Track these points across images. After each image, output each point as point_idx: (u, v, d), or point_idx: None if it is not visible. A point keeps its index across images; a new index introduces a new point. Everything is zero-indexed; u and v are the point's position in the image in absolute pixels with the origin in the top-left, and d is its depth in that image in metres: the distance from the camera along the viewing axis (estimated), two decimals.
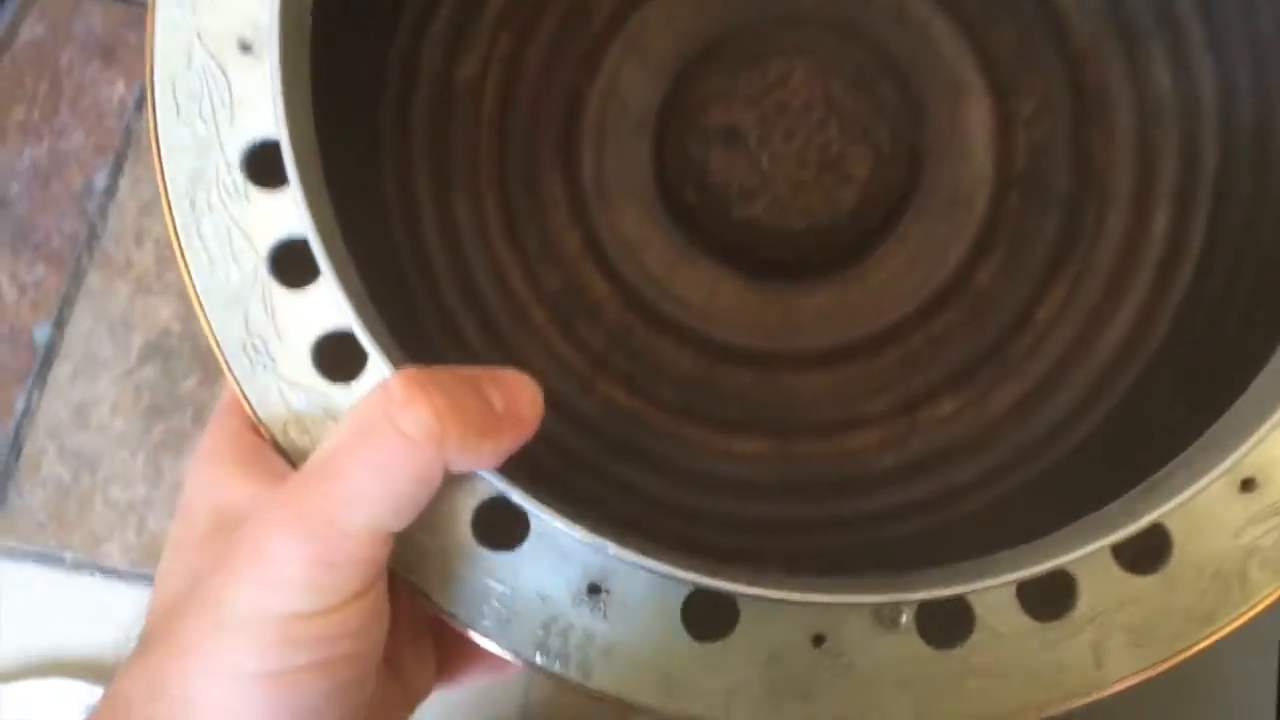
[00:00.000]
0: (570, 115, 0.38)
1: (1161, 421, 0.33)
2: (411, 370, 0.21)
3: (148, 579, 0.39)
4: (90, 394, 0.40)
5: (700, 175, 0.37)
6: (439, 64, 0.38)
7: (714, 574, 0.22)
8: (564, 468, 0.35)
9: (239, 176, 0.25)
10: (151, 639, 0.21)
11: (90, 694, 0.38)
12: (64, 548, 0.38)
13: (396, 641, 0.26)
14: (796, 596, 0.22)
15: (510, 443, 0.22)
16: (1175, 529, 0.24)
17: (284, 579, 0.20)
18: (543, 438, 0.36)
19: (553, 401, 0.37)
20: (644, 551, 0.22)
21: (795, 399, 0.37)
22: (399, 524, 0.21)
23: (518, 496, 0.23)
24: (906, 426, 0.37)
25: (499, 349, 0.37)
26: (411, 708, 0.26)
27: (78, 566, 0.38)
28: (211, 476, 0.23)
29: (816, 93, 0.37)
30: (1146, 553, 0.24)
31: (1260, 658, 0.39)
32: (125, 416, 0.39)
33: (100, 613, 0.38)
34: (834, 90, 0.37)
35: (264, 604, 0.20)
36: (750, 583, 0.22)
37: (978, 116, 0.37)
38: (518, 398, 0.22)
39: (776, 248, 0.37)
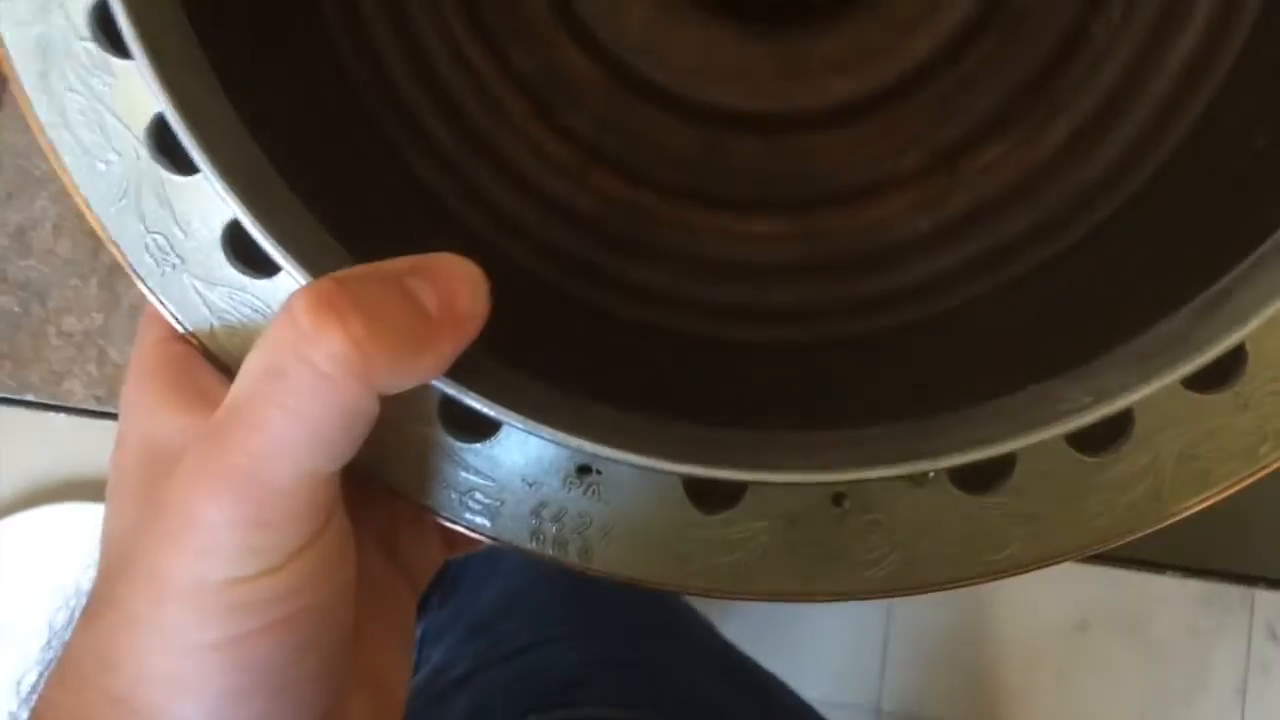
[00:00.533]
0: None
1: (1239, 153, 0.28)
2: (319, 287, 0.18)
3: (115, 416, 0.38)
4: (28, 215, 0.37)
5: None
6: None
7: (709, 461, 0.19)
8: (562, 276, 0.32)
9: (91, 44, 0.21)
10: (100, 602, 0.19)
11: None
12: (24, 389, 0.36)
13: (391, 525, 0.24)
14: (805, 478, 0.19)
15: (452, 348, 0.19)
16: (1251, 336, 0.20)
17: (217, 546, 0.17)
18: (538, 245, 0.34)
19: (545, 202, 0.34)
20: (626, 446, 0.19)
21: (813, 165, 0.33)
22: (335, 464, 0.18)
23: (475, 400, 0.20)
24: (945, 183, 0.32)
25: (476, 152, 0.33)
26: (417, 589, 0.25)
27: (41, 409, 0.36)
28: (141, 404, 0.21)
29: None
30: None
31: None
32: (71, 238, 0.37)
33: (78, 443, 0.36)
34: None
35: (201, 573, 0.18)
36: (753, 465, 0.20)
37: None
38: (455, 291, 0.19)
39: None
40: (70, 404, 0.36)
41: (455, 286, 0.19)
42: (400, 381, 0.18)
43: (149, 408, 0.20)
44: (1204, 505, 0.21)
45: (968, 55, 0.32)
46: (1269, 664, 0.93)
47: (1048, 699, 0.96)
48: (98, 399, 0.36)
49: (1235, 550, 0.36)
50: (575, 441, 0.20)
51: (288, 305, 0.18)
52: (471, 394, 0.20)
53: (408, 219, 0.31)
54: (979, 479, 0.21)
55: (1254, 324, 0.18)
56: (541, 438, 0.20)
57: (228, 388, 0.19)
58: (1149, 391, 0.19)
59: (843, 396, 0.26)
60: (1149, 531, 0.21)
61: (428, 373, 0.19)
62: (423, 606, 0.26)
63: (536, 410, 0.20)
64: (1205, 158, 0.29)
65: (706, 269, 0.33)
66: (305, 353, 0.17)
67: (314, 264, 0.19)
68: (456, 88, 0.33)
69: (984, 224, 0.32)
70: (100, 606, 0.19)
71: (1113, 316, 0.26)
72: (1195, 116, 0.30)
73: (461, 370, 0.20)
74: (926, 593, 0.22)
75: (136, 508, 0.19)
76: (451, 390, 0.20)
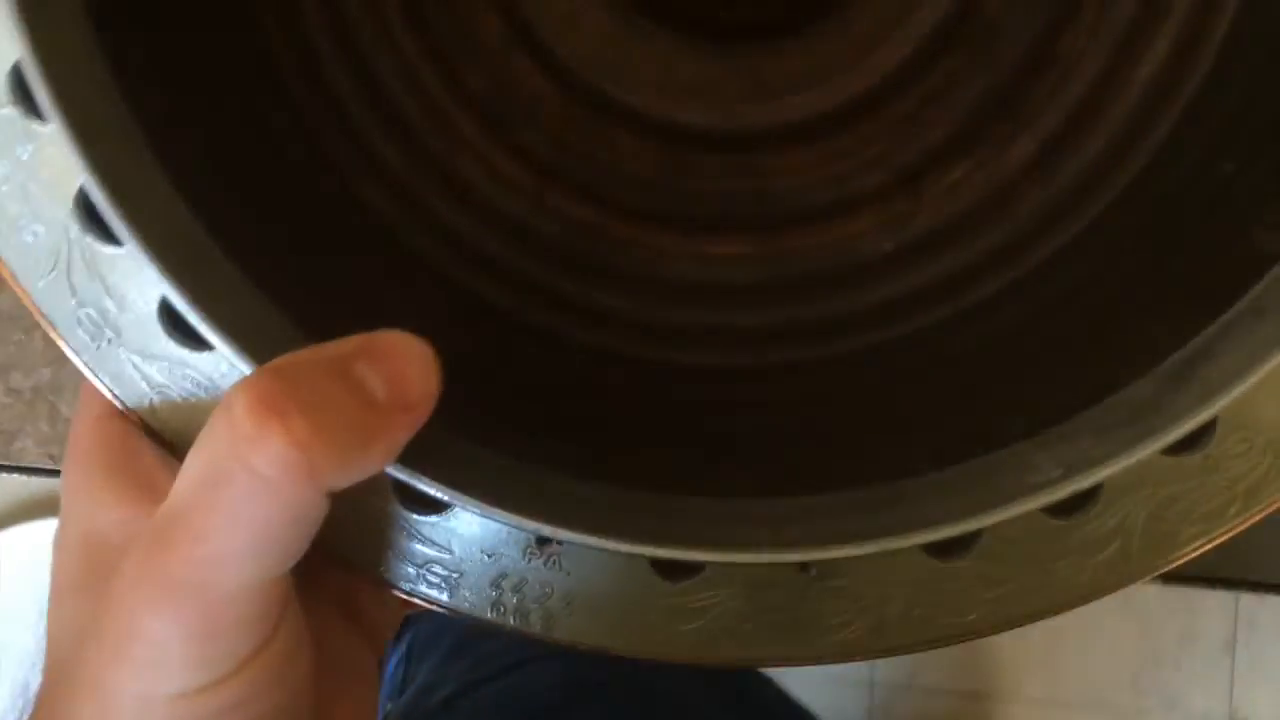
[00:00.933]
0: None
1: (1205, 179, 0.28)
2: (259, 383, 0.17)
3: None
4: None
5: None
6: None
7: (669, 541, 0.19)
8: (519, 302, 0.31)
9: (11, 109, 0.19)
10: (47, 705, 0.18)
11: None
12: None
13: (349, 588, 0.23)
14: (770, 557, 0.19)
15: (404, 435, 0.18)
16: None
17: (163, 658, 0.17)
18: (495, 271, 0.33)
19: (501, 225, 0.33)
20: (585, 528, 0.19)
21: (777, 184, 0.32)
22: (285, 566, 0.17)
23: (427, 485, 0.19)
24: (909, 202, 0.32)
25: (429, 175, 0.32)
26: (379, 649, 0.24)
27: None
28: (81, 491, 0.20)
29: None
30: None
31: None
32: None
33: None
34: None
35: (148, 687, 0.17)
36: (714, 544, 0.19)
37: None
38: (404, 374, 0.18)
39: (737, 5, 0.31)
40: (23, 463, 0.35)
41: (404, 368, 0.18)
42: (350, 477, 0.17)
43: (89, 496, 0.20)
44: (1171, 567, 0.21)
45: (933, 72, 0.31)
46: (1255, 618, 0.95)
47: (1040, 662, 0.97)
48: (51, 457, 0.35)
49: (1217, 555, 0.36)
50: (532, 525, 0.19)
51: (227, 402, 0.17)
52: (423, 479, 0.19)
53: (357, 253, 0.30)
54: (948, 544, 0.21)
55: (1229, 398, 0.18)
56: (496, 520, 0.19)
57: (170, 470, 0.18)
58: (1119, 467, 0.18)
59: (808, 440, 0.26)
60: (1115, 591, 0.21)
61: (379, 464, 0.18)
62: (408, 620, 0.26)
63: (491, 493, 0.19)
64: (1171, 181, 0.28)
65: (667, 292, 0.32)
66: (246, 456, 0.16)
67: (254, 347, 0.19)
68: (409, 109, 0.32)
69: (949, 244, 0.31)
70: (48, 710, 0.18)
71: (1081, 353, 0.26)
72: (1160, 139, 0.29)
73: (412, 453, 0.19)
74: (896, 655, 0.21)
75: (80, 610, 0.19)
76: (402, 476, 0.19)
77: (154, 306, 0.20)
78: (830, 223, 0.32)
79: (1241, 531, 0.20)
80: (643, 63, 0.32)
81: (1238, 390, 0.18)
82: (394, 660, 0.54)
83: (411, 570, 0.21)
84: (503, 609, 0.21)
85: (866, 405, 0.28)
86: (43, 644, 0.22)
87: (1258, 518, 0.20)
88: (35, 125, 0.19)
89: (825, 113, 0.32)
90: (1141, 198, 0.29)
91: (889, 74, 0.31)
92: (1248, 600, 0.94)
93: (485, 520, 0.21)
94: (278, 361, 0.18)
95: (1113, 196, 0.30)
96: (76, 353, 0.20)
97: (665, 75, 0.32)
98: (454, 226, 0.32)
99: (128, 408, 0.20)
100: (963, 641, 0.21)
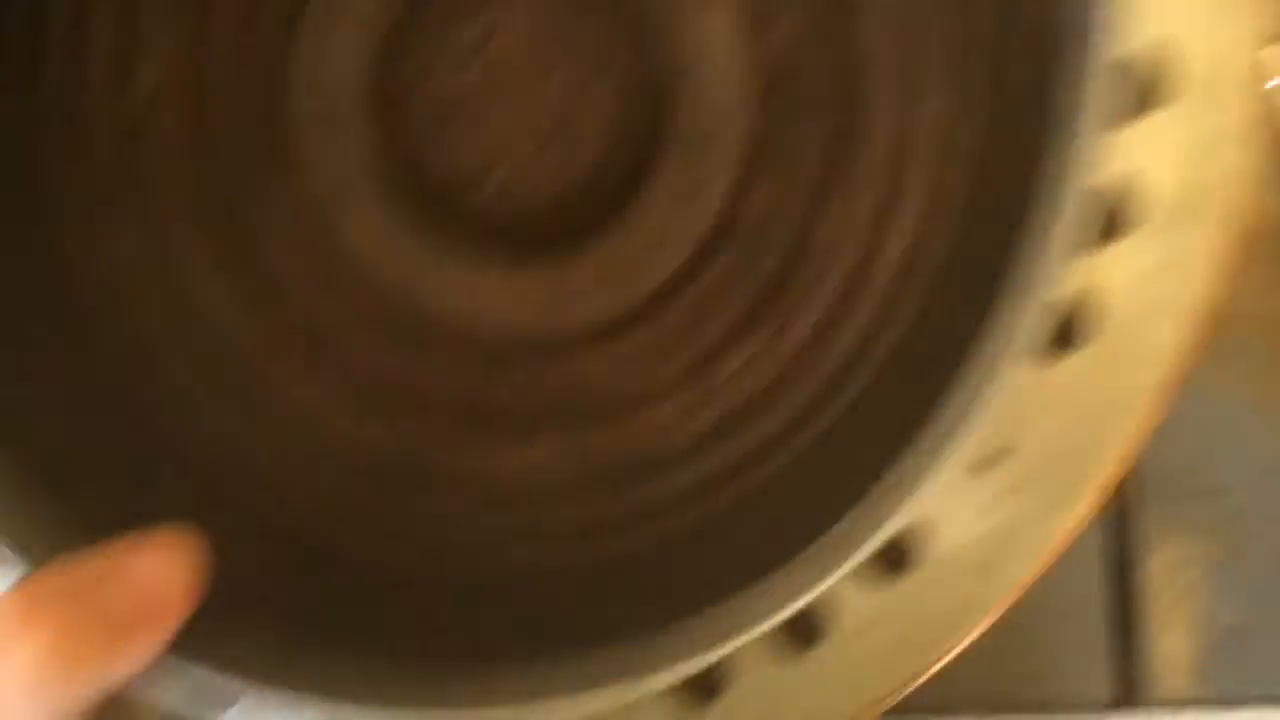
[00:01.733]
0: (272, 114, 0.34)
1: (954, 335, 0.30)
2: (3, 602, 0.18)
3: None
4: None
5: (430, 159, 0.33)
6: (108, 78, 0.33)
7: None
8: (334, 521, 0.32)
9: None
10: None
11: None
12: None
13: None
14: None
15: (159, 639, 0.19)
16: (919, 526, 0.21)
17: None
18: (309, 493, 0.34)
19: (318, 448, 0.34)
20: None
21: (585, 383, 0.34)
22: None
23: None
24: (703, 387, 0.34)
25: (239, 404, 0.33)
26: None
27: None
28: None
29: (535, 36, 0.33)
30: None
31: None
32: None
33: None
34: (551, 29, 0.33)
35: None
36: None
37: (724, 28, 0.33)
38: (161, 577, 0.19)
39: (527, 221, 0.34)
40: None
41: (162, 571, 0.19)
42: (102, 687, 0.18)
43: None
44: None
45: (713, 263, 0.34)
46: None
47: None
48: None
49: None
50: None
51: None
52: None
53: (150, 478, 0.31)
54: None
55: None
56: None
57: None
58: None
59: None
60: None
61: (135, 669, 0.19)
62: None
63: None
64: (924, 346, 0.31)
65: (486, 497, 0.33)
66: None
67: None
68: (217, 348, 0.33)
69: (743, 424, 0.33)
70: None
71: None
72: (913, 312, 0.32)
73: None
74: None
75: None
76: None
77: None
78: (637, 414, 0.34)
79: None
80: (450, 286, 0.34)
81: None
82: None
83: None
84: None
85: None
86: None
87: None
88: None
89: (625, 311, 0.34)
90: (903, 365, 0.32)
91: (677, 270, 0.34)
92: None
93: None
94: (29, 582, 0.19)
95: (878, 363, 0.32)
96: None
97: (473, 295, 0.34)
98: (265, 446, 0.33)
99: None
100: None
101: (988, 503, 0.21)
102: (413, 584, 0.31)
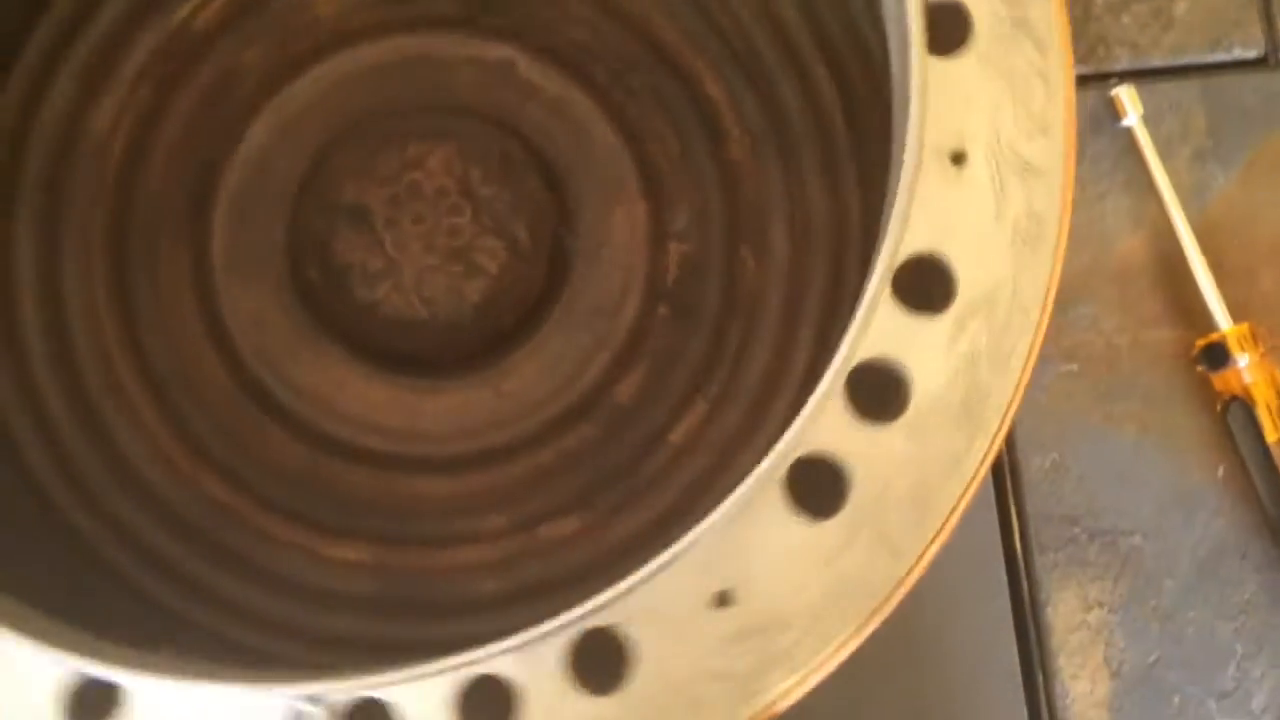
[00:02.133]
0: (205, 181, 0.36)
1: None
2: None
3: None
4: None
5: (324, 253, 0.35)
6: (69, 105, 0.35)
7: None
8: (140, 567, 0.32)
9: None
10: None
11: None
12: None
13: None
14: None
15: None
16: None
17: None
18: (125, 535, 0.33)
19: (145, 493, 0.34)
20: None
21: (412, 506, 0.34)
22: None
23: None
24: (522, 545, 0.34)
25: (92, 433, 0.33)
26: None
27: None
28: None
29: (453, 177, 0.35)
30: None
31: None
32: None
33: None
34: (473, 177, 0.35)
35: None
36: None
37: (631, 223, 0.36)
38: None
39: (402, 337, 0.35)
40: None
41: None
42: None
43: None
44: None
45: (569, 435, 0.35)
46: None
47: None
48: None
49: None
50: None
51: None
52: None
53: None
54: None
55: None
56: None
57: None
58: None
59: None
60: None
61: None
62: None
63: None
64: None
65: (278, 585, 0.33)
66: None
67: None
68: (91, 373, 0.34)
69: (547, 594, 0.33)
70: None
71: None
72: None
73: None
74: None
75: None
76: None
77: None
78: (449, 551, 0.34)
79: None
80: (313, 373, 0.35)
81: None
82: None
83: None
84: None
85: None
86: None
87: None
88: None
89: (469, 452, 0.35)
90: None
91: (531, 431, 0.35)
92: None
93: None
94: None
95: None
96: None
97: (333, 389, 0.35)
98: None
99: None
100: None
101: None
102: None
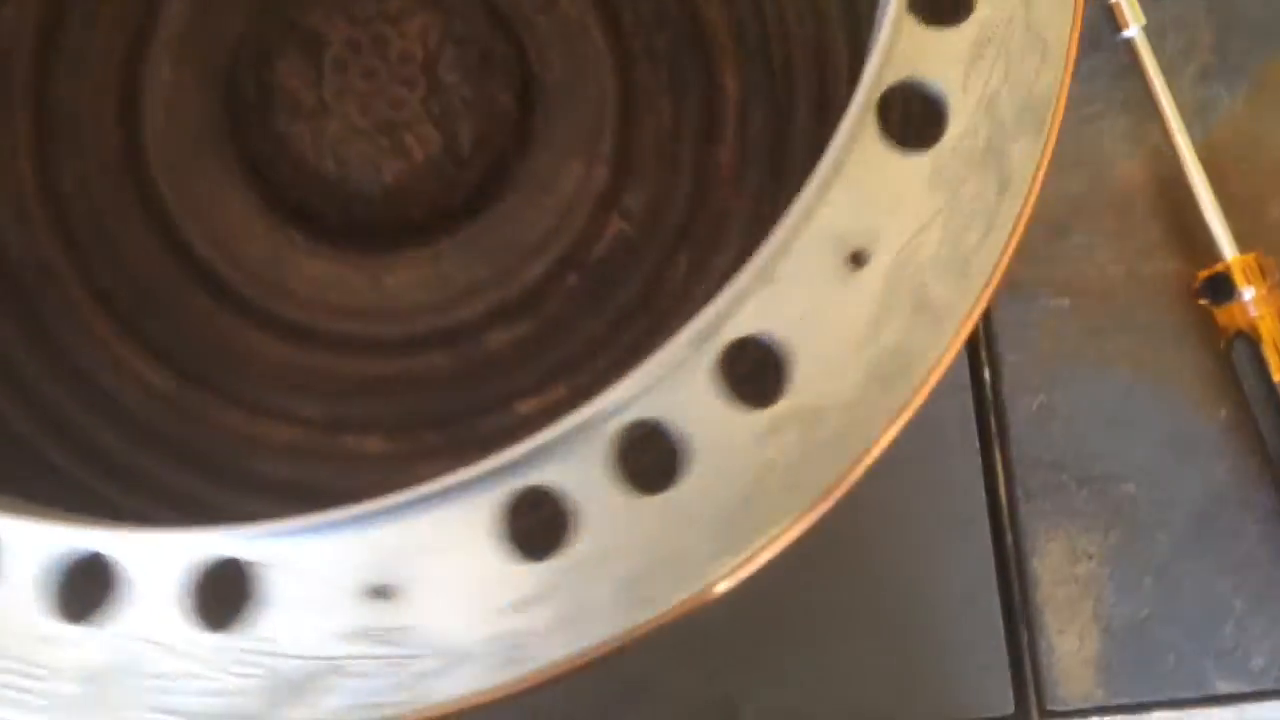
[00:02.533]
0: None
1: None
2: None
3: None
4: None
5: (265, 68, 0.32)
6: None
7: None
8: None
9: None
10: None
11: None
12: None
13: None
14: None
15: None
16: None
17: None
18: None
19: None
20: None
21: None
22: None
23: None
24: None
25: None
26: None
27: None
28: None
29: (424, 48, 0.32)
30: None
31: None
32: None
33: None
34: (444, 58, 0.32)
35: None
36: None
37: (583, 182, 0.33)
38: None
39: (309, 190, 0.33)
40: None
41: None
42: None
43: None
44: None
45: (555, 297, 0.33)
46: None
47: None
48: None
49: None
50: None
51: None
52: None
53: None
54: None
55: None
56: None
57: None
58: None
59: None
60: None
61: None
62: None
63: None
64: None
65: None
66: None
67: None
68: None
69: None
70: None
71: None
72: None
73: None
74: None
75: None
76: None
77: None
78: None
79: None
80: (259, 253, 0.33)
81: None
82: None
83: None
84: None
85: None
86: None
87: None
88: None
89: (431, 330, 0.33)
90: None
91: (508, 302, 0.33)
92: None
93: None
94: None
95: None
96: None
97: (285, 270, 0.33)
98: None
99: None
100: None
101: None
102: None
